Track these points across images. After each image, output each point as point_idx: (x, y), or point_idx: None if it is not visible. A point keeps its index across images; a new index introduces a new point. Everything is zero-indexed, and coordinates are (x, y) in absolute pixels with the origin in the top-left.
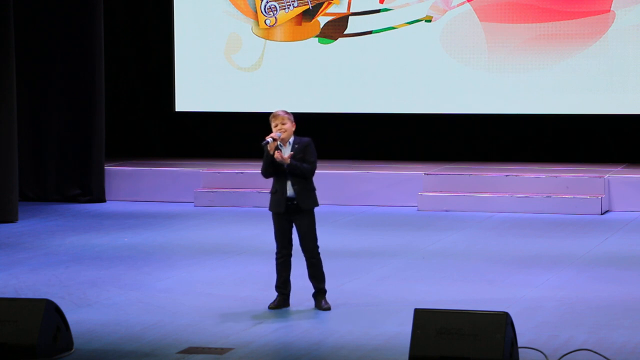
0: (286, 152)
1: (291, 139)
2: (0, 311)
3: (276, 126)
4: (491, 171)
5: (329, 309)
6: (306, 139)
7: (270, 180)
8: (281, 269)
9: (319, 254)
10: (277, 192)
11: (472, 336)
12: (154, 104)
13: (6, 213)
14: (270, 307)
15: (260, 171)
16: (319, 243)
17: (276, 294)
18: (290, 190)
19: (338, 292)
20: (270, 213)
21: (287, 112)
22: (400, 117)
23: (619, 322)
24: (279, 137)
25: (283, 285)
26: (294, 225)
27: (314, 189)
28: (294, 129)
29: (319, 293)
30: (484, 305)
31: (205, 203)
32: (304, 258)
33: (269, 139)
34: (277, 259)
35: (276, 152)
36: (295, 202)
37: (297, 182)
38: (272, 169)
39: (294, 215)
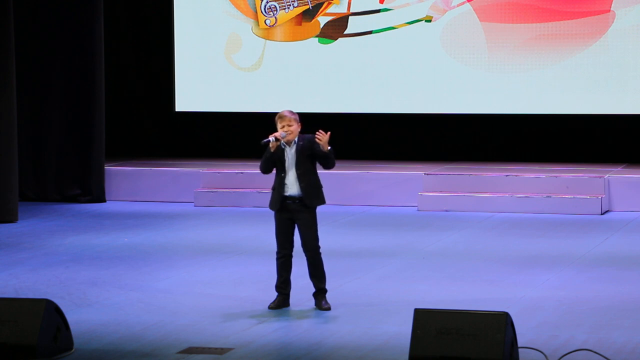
0: (290, 153)
1: (295, 139)
2: (0, 311)
3: (282, 127)
4: (491, 171)
5: (329, 309)
6: (310, 135)
7: (269, 179)
8: (282, 269)
9: (320, 253)
10: (275, 190)
11: (472, 336)
12: (154, 104)
13: (6, 213)
14: (270, 307)
15: (259, 167)
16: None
17: (276, 293)
18: (294, 188)
19: (338, 292)
20: (271, 212)
21: (292, 113)
22: (400, 117)
23: (619, 322)
24: (283, 137)
25: (283, 285)
26: (295, 225)
27: (321, 186)
28: (299, 129)
29: (320, 292)
30: (484, 305)
31: (205, 203)
32: (304, 257)
33: (271, 137)
34: (277, 258)
35: (323, 137)
36: (297, 201)
37: (304, 179)
38: (271, 165)
39: (296, 213)
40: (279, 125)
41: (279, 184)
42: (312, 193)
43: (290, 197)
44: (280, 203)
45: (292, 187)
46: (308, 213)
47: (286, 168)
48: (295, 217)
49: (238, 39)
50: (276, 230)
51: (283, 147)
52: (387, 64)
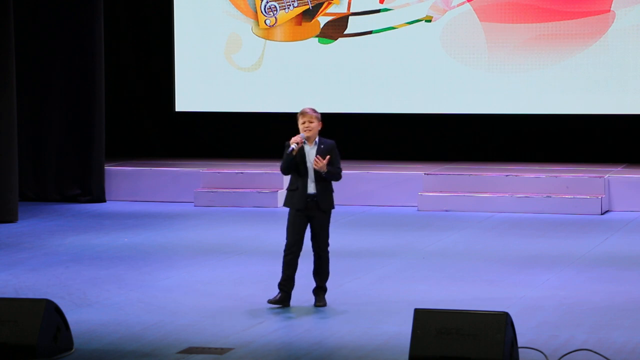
0: (311, 153)
1: (316, 139)
2: (0, 311)
3: (303, 123)
4: (491, 171)
5: (324, 305)
6: (330, 141)
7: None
8: (288, 266)
9: (328, 252)
10: (298, 189)
11: (472, 336)
12: (154, 104)
13: (6, 213)
14: (269, 301)
15: (279, 168)
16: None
17: (278, 291)
18: (312, 187)
19: (338, 292)
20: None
21: (315, 111)
22: (400, 117)
23: (619, 322)
24: (303, 137)
25: (286, 282)
26: (308, 224)
27: (332, 190)
28: (319, 128)
29: (319, 290)
30: (484, 305)
31: (205, 203)
32: (307, 257)
33: (293, 145)
34: (285, 255)
35: (315, 160)
36: (315, 199)
37: (320, 181)
38: (293, 166)
39: (312, 211)
40: (300, 121)
41: (302, 183)
42: (325, 195)
43: (310, 195)
44: (304, 202)
45: (311, 185)
46: (324, 213)
47: (308, 168)
48: (312, 214)
49: (238, 39)
50: (290, 227)
51: (304, 145)
52: (387, 64)
